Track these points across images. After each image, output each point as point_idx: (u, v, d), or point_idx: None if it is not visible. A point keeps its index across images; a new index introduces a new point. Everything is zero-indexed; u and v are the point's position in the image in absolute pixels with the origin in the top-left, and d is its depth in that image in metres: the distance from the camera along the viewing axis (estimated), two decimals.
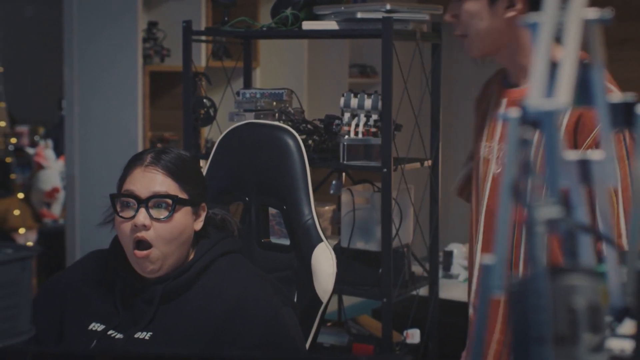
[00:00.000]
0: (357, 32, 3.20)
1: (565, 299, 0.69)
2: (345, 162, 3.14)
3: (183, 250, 2.20)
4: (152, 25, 4.82)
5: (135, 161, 2.23)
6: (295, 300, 2.49)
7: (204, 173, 2.69)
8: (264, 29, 3.30)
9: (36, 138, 6.77)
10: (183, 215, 2.19)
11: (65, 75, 4.90)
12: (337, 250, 3.28)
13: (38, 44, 7.17)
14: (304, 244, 2.50)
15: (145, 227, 2.13)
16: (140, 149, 4.69)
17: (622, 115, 0.76)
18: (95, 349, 2.15)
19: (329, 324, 3.43)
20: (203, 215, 2.27)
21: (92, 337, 2.17)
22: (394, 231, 3.10)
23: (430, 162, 3.31)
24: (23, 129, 6.84)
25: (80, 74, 4.87)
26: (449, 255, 3.76)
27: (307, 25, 3.20)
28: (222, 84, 3.66)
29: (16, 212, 5.69)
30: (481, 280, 0.76)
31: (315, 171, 5.43)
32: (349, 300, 3.61)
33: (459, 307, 3.15)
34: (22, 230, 5.65)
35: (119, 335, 2.16)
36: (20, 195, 5.74)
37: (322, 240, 2.48)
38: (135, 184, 2.17)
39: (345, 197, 3.27)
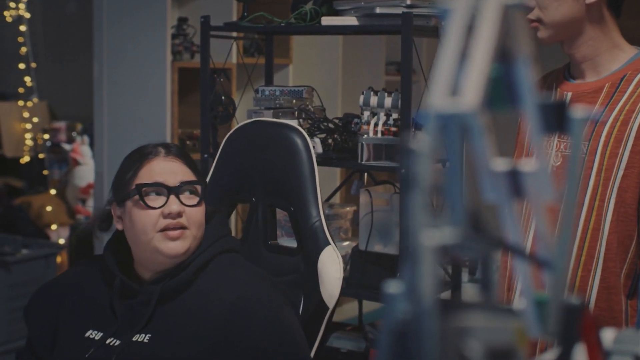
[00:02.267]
0: (377, 28, 3.10)
1: (456, 343, 0.59)
2: (363, 162, 3.04)
3: (201, 236, 2.18)
4: (182, 21, 4.75)
5: (147, 155, 2.19)
6: (301, 304, 2.40)
7: (211, 172, 2.62)
8: (283, 24, 3.21)
9: (73, 134, 6.76)
10: (203, 201, 2.19)
11: (94, 72, 4.86)
12: (355, 252, 3.18)
13: (79, 40, 7.16)
14: (311, 247, 2.41)
15: (179, 215, 2.10)
16: None
17: (553, 119, 0.66)
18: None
19: (348, 328, 3.34)
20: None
21: (89, 345, 2.10)
22: None
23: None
24: (60, 124, 6.83)
25: (109, 71, 4.82)
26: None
27: (326, 20, 3.11)
28: (253, 81, 3.58)
29: (48, 208, 5.68)
30: (384, 310, 0.66)
31: (342, 171, 5.33)
32: (373, 305, 3.50)
33: None
34: (54, 227, 5.64)
35: (118, 342, 2.09)
36: (53, 192, 5.72)
37: (329, 244, 2.39)
38: (160, 173, 2.14)
39: (363, 198, 3.17)
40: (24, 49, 5.73)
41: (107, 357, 2.07)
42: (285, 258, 2.49)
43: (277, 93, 3.22)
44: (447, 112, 0.58)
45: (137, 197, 2.11)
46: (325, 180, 4.05)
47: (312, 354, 2.28)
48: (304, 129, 2.99)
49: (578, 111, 0.66)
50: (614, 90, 2.18)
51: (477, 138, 0.62)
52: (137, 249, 2.15)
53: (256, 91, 3.24)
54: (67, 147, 6.62)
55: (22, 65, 6.12)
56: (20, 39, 5.97)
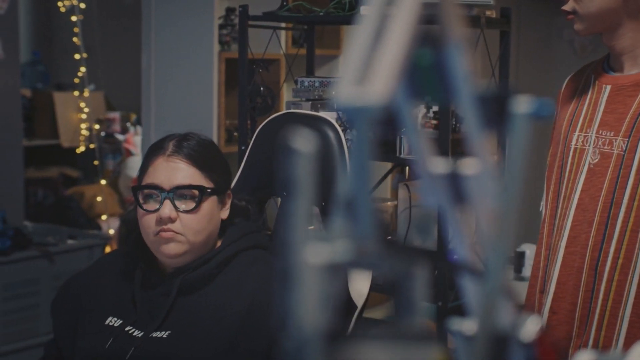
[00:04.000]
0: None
1: None
2: (402, 155, 2.96)
3: (210, 240, 2.12)
4: (230, 11, 4.70)
5: (157, 150, 2.13)
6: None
7: (242, 165, 2.56)
8: (321, 13, 3.14)
9: (127, 125, 6.77)
10: (209, 205, 2.10)
11: (142, 62, 4.84)
12: None
13: (133, 31, 7.18)
14: None
15: (171, 220, 2.04)
16: (215, 137, 4.60)
17: (494, 112, 0.58)
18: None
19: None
20: (229, 203, 2.18)
21: (109, 333, 2.08)
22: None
23: (495, 157, 3.09)
24: (115, 115, 6.85)
25: (157, 62, 4.80)
26: (520, 256, 3.54)
27: (365, 10, 3.03)
28: (301, 72, 3.51)
29: (99, 199, 5.69)
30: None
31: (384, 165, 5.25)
32: None
33: None
34: (104, 217, 5.65)
35: (137, 332, 2.06)
36: (103, 182, 5.73)
37: None
38: (158, 175, 2.08)
39: (401, 192, 3.09)
40: (78, 40, 5.74)
41: (125, 348, 2.04)
42: None
43: (317, 84, 3.15)
44: (352, 104, 0.51)
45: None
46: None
47: None
48: (343, 121, 2.92)
49: (521, 105, 0.58)
50: None
51: (412, 135, 0.55)
52: (150, 247, 2.12)
53: (295, 82, 3.18)
54: (120, 137, 6.63)
55: (77, 56, 6.14)
56: (76, 29, 5.98)
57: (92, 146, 5.82)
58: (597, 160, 2.08)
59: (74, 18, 5.69)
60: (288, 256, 0.51)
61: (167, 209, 2.03)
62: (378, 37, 0.55)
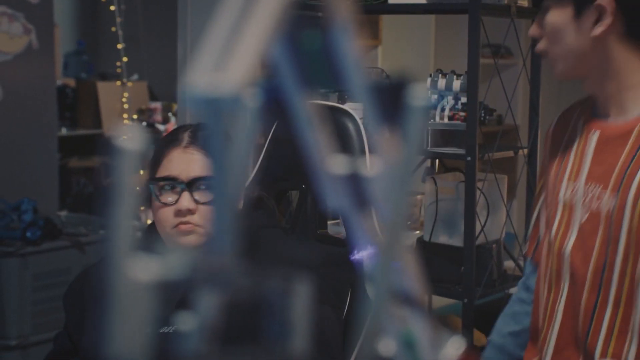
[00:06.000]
0: (445, 7, 2.95)
1: None
2: (428, 148, 2.89)
3: None
4: None
5: (171, 142, 2.08)
6: (348, 298, 2.29)
7: (261, 156, 2.52)
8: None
9: (169, 115, 6.75)
10: None
11: (178, 53, 4.82)
12: (420, 243, 3.04)
13: (175, 21, 7.16)
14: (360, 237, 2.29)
15: (190, 212, 1.99)
16: None
17: (389, 103, 0.52)
18: None
19: None
20: (242, 194, 2.13)
21: None
22: (479, 226, 2.84)
23: (526, 150, 3.01)
24: (156, 105, 6.84)
25: (193, 52, 4.77)
26: None
27: None
28: None
29: (137, 189, 5.69)
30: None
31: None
32: (443, 301, 3.35)
33: None
34: (142, 207, 5.64)
35: None
36: (142, 172, 5.72)
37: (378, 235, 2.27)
38: (175, 167, 2.03)
39: (428, 186, 3.02)
40: (120, 30, 5.73)
41: None
42: (335, 249, 2.38)
43: None
44: (205, 94, 0.45)
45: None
46: None
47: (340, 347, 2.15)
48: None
49: (417, 96, 0.52)
50: None
51: (305, 129, 0.49)
52: (166, 241, 2.08)
53: None
54: (161, 127, 6.62)
55: (120, 46, 6.13)
56: (118, 19, 5.97)
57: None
58: (586, 217, 1.87)
59: (112, 7, 5.68)
60: (106, 271, 0.46)
61: (185, 201, 1.99)
62: (240, 22, 0.50)
